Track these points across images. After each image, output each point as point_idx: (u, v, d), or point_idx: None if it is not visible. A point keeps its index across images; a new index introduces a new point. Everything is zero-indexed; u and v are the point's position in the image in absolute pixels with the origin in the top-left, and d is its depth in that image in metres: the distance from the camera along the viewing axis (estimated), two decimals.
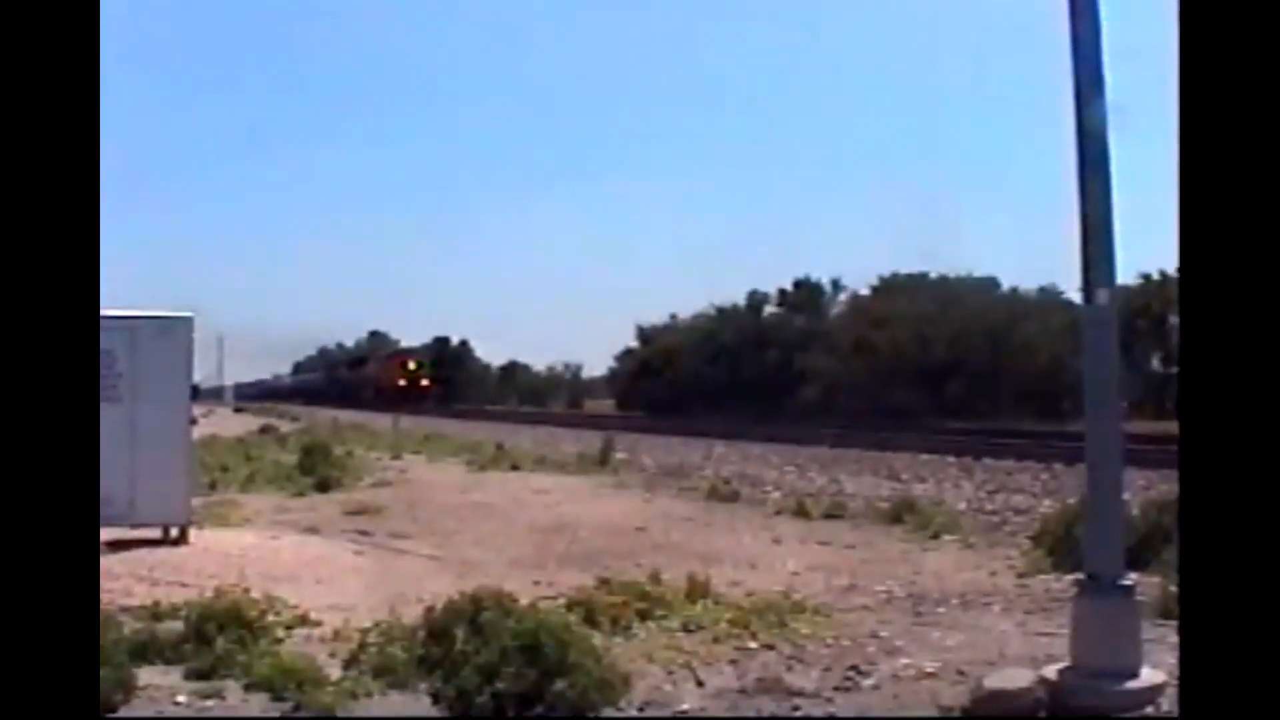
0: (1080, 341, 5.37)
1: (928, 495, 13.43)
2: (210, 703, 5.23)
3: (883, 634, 6.26)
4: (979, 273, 46.86)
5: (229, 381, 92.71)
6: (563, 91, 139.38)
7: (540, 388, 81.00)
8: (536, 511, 12.60)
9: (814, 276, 52.83)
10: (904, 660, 5.69)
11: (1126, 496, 6.61)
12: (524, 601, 5.80)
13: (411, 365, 64.71)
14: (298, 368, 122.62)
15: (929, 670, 5.50)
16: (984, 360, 41.49)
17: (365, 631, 5.99)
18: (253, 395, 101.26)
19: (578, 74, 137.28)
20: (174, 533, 9.24)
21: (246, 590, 6.65)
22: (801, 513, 11.92)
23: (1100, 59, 5.15)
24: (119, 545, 8.59)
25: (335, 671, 5.51)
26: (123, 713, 5.06)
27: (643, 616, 6.54)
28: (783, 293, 53.34)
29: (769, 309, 53.78)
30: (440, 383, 68.10)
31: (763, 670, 5.59)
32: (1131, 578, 5.07)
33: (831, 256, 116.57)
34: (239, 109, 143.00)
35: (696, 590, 7.09)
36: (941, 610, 6.94)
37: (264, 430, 31.94)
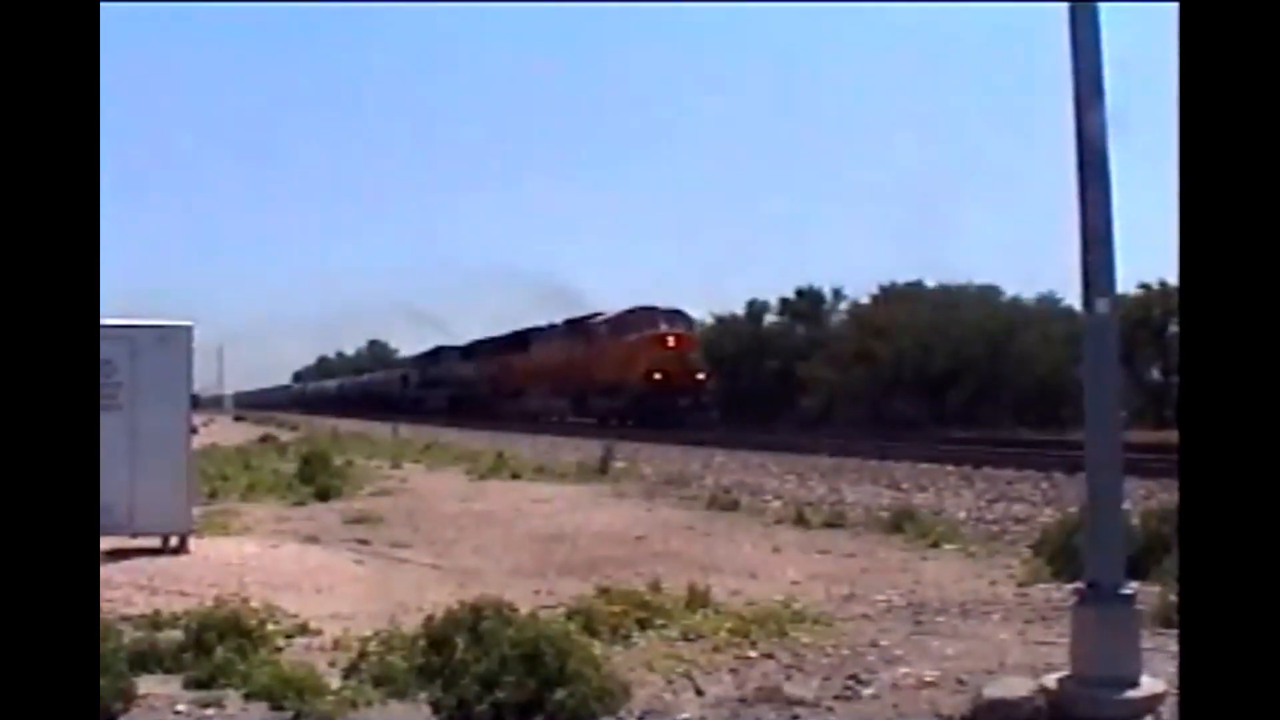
0: (1080, 350, 5.37)
1: (928, 504, 13.41)
2: (210, 711, 5.22)
3: (882, 643, 6.25)
4: (979, 281, 46.94)
5: (229, 390, 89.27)
6: (560, 98, 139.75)
7: None
8: (536, 520, 12.59)
9: (814, 285, 52.84)
10: (904, 669, 5.68)
11: (1126, 505, 6.61)
12: (524, 610, 5.80)
13: (672, 340, 36.75)
14: (297, 376, 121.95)
15: (929, 679, 5.49)
16: (984, 369, 41.51)
17: (365, 640, 5.98)
18: (269, 404, 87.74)
19: (574, 81, 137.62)
20: (174, 541, 9.25)
21: (246, 599, 6.65)
22: (801, 522, 11.91)
23: (1100, 67, 5.15)
24: (119, 554, 8.60)
25: (335, 680, 5.50)
26: None
27: (642, 625, 6.53)
28: (783, 301, 53.31)
29: (769, 318, 53.73)
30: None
31: (762, 679, 5.58)
32: (1131, 586, 5.06)
33: (832, 265, 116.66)
34: (239, 115, 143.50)
35: (696, 599, 7.08)
36: (941, 619, 6.92)
37: (264, 439, 31.98)
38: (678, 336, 37.29)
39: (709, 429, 31.82)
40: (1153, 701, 4.76)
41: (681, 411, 34.92)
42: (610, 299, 49.11)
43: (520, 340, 49.03)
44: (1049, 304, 43.50)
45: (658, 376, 34.88)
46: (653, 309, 39.78)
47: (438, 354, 62.32)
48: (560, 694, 4.96)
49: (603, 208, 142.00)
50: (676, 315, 40.05)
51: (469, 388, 53.18)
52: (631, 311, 40.14)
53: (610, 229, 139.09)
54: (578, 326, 43.74)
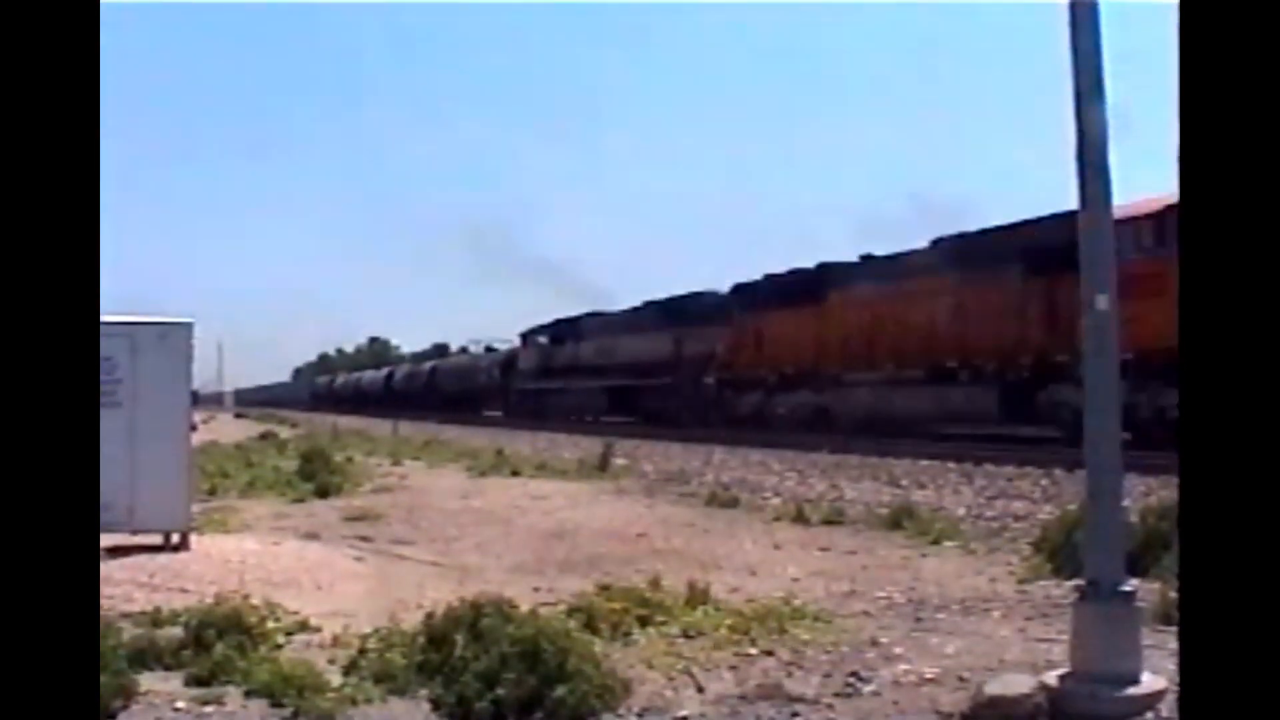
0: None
1: (927, 501, 13.41)
2: (210, 709, 5.22)
3: (883, 640, 6.25)
4: None
5: (229, 387, 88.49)
6: (558, 97, 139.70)
7: None
8: (536, 517, 12.59)
9: None
10: (904, 666, 5.69)
11: (1126, 502, 6.61)
12: (524, 608, 5.79)
13: None
14: (297, 373, 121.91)
15: (929, 676, 5.49)
16: None
17: (365, 638, 5.99)
18: (277, 401, 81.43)
19: (572, 82, 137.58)
20: (174, 538, 9.23)
21: (246, 596, 6.64)
22: (801, 519, 11.90)
23: (1100, 64, 5.15)
24: (119, 551, 8.59)
25: (335, 678, 5.50)
26: (122, 719, 5.06)
27: (643, 622, 6.53)
28: None
29: None
30: None
31: (763, 676, 5.58)
32: (1131, 584, 5.07)
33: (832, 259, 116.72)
34: (239, 111, 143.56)
35: (696, 596, 7.08)
36: (941, 616, 6.92)
37: (264, 436, 31.98)
38: None
39: None
40: (1153, 699, 4.77)
41: None
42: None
43: (801, 287, 27.90)
44: None
45: None
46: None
47: (575, 324, 41.16)
48: (560, 691, 4.96)
49: (597, 193, 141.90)
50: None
51: (647, 375, 34.38)
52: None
53: (596, 212, 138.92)
54: (1008, 241, 21.93)
